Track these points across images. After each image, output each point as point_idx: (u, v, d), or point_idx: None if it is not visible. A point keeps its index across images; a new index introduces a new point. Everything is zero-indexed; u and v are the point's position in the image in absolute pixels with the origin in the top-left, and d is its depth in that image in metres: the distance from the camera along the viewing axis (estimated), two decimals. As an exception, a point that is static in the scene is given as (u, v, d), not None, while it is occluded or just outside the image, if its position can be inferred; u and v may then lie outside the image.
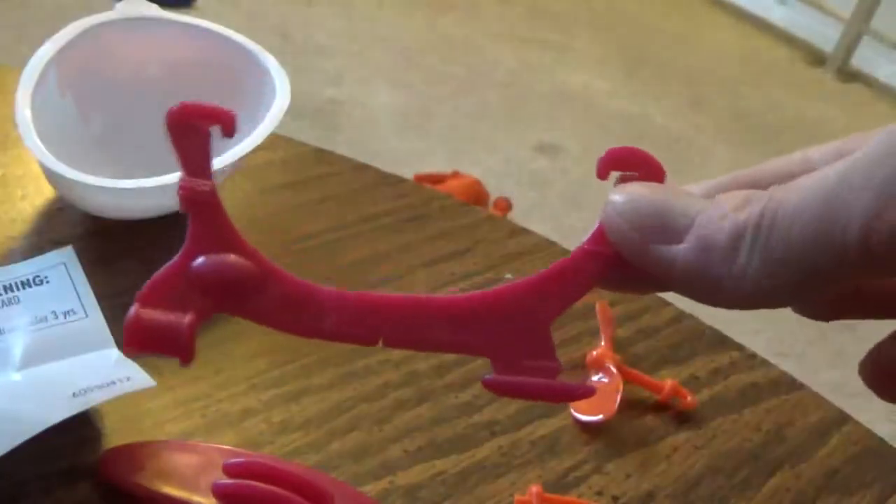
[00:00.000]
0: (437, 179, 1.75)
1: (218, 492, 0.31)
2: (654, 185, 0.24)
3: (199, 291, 0.23)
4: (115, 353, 0.39)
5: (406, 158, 1.90)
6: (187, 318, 0.23)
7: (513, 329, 0.25)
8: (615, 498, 0.41)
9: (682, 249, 0.22)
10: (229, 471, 0.31)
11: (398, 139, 1.97)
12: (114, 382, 0.35)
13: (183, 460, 0.35)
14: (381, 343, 0.24)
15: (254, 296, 0.24)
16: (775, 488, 0.44)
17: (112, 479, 0.35)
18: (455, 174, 1.80)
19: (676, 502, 0.42)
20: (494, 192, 1.82)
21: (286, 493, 0.30)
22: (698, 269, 0.22)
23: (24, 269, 0.41)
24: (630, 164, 0.25)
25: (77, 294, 0.40)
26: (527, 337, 0.25)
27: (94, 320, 0.39)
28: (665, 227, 0.23)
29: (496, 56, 2.43)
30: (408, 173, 1.85)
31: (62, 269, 0.41)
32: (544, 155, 2.04)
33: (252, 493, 0.31)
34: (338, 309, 0.24)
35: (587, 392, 0.25)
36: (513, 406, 0.44)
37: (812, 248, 0.21)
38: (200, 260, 0.23)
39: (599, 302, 0.51)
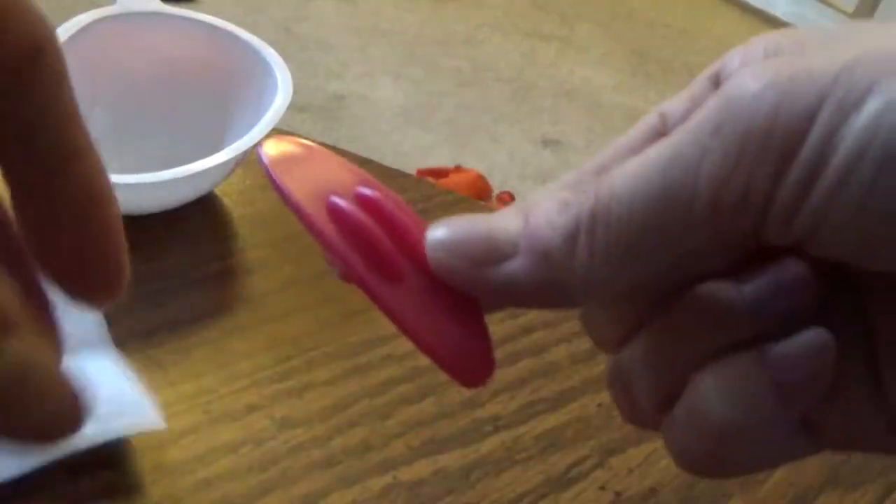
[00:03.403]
0: (440, 174, 1.75)
1: (330, 207, 0.29)
2: (467, 216, 0.23)
3: None
4: (113, 356, 0.38)
5: (408, 153, 1.89)
6: None
7: None
8: (618, 493, 0.41)
9: (518, 263, 0.22)
10: (356, 198, 0.29)
11: (400, 133, 1.97)
12: (122, 415, 0.35)
13: (327, 172, 0.32)
14: None
15: None
16: (778, 483, 0.43)
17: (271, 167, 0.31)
18: (458, 169, 1.80)
19: (679, 498, 0.42)
20: (498, 187, 1.82)
21: (388, 245, 0.28)
22: (541, 277, 0.21)
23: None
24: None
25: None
26: None
27: (93, 318, 0.39)
28: (494, 247, 0.22)
29: (499, 50, 2.43)
30: (410, 168, 1.85)
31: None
32: (548, 149, 2.04)
33: (356, 225, 0.29)
34: None
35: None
36: (516, 401, 0.44)
37: (655, 222, 0.20)
38: None
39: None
